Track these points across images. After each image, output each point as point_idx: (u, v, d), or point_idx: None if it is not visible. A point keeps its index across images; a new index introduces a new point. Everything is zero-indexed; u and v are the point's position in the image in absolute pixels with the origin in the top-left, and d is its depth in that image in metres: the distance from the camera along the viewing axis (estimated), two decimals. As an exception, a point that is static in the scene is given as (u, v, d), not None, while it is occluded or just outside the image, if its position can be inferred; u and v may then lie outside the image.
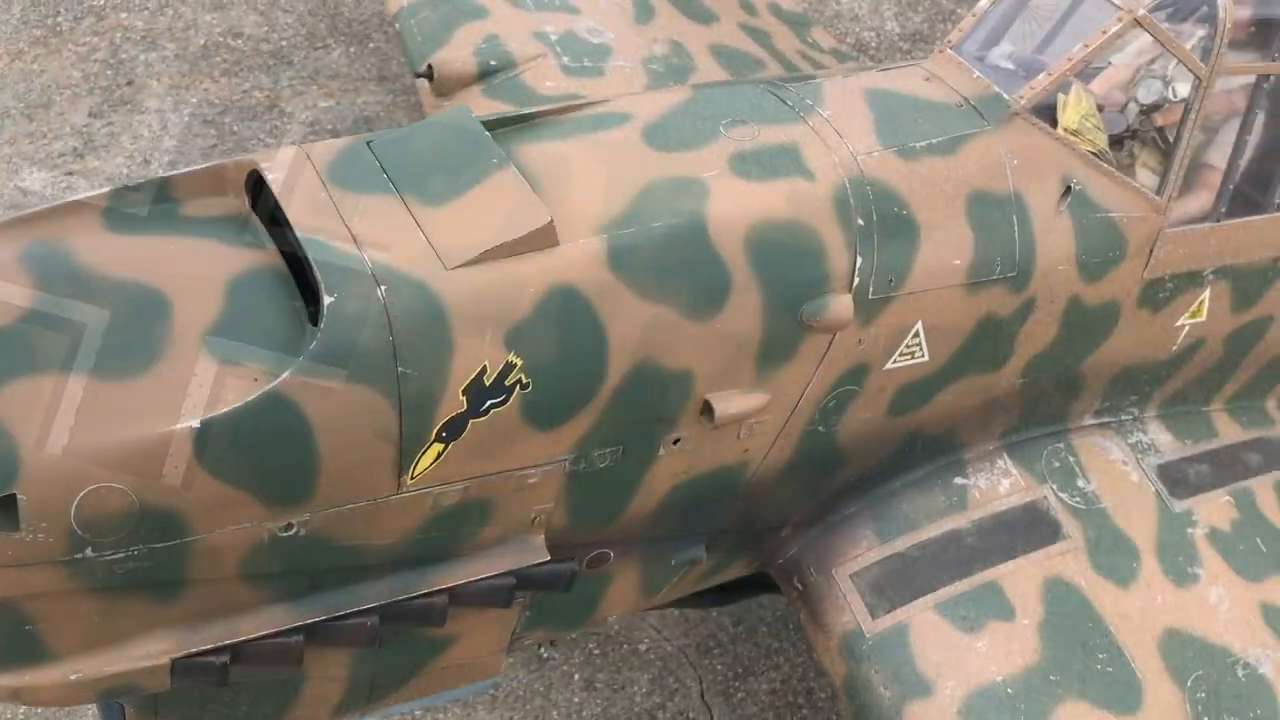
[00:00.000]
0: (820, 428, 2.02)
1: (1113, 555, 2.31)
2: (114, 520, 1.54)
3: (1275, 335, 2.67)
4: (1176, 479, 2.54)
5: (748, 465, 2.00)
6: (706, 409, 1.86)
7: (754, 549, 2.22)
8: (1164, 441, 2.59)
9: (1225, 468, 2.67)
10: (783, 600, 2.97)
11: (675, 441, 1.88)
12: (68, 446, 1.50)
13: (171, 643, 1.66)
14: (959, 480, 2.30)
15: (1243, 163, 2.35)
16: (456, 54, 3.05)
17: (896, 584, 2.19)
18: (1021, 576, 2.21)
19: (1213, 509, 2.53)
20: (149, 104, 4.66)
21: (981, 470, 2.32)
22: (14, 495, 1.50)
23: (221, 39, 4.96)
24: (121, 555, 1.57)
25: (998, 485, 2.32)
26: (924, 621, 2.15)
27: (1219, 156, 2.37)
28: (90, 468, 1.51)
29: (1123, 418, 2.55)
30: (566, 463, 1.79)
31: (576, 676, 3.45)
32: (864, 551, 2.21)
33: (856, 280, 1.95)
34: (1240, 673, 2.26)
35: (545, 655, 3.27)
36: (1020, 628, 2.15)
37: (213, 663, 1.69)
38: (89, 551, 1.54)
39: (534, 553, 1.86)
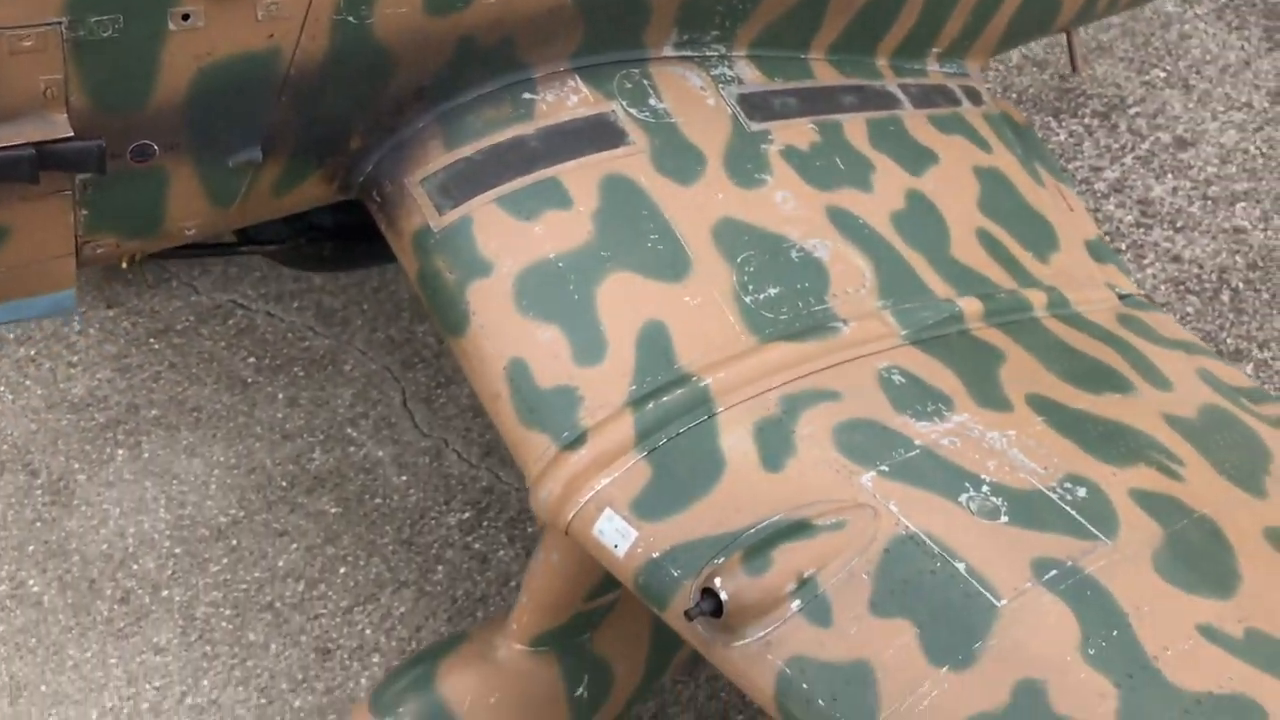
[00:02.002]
0: (350, 18, 2.09)
1: (677, 159, 2.43)
2: None
3: (856, -24, 2.82)
4: (757, 105, 2.67)
5: (280, 54, 2.06)
6: None
7: (325, 161, 2.30)
8: (751, 76, 2.72)
9: (815, 102, 2.80)
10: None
11: (184, 17, 1.93)
12: None
13: None
14: (527, 95, 2.40)
15: None
16: None
17: (461, 184, 2.30)
18: (581, 174, 2.33)
19: (793, 132, 2.68)
20: None
21: (550, 88, 2.43)
22: None
23: None
24: None
25: (566, 100, 2.43)
26: (485, 213, 2.27)
27: None
28: None
29: (708, 54, 2.67)
30: (62, 26, 1.84)
31: (280, 396, 3.57)
32: (433, 159, 2.32)
33: None
34: (794, 254, 2.44)
35: (148, 284, 3.36)
36: (576, 214, 2.29)
37: None
38: None
39: (54, 128, 1.91)
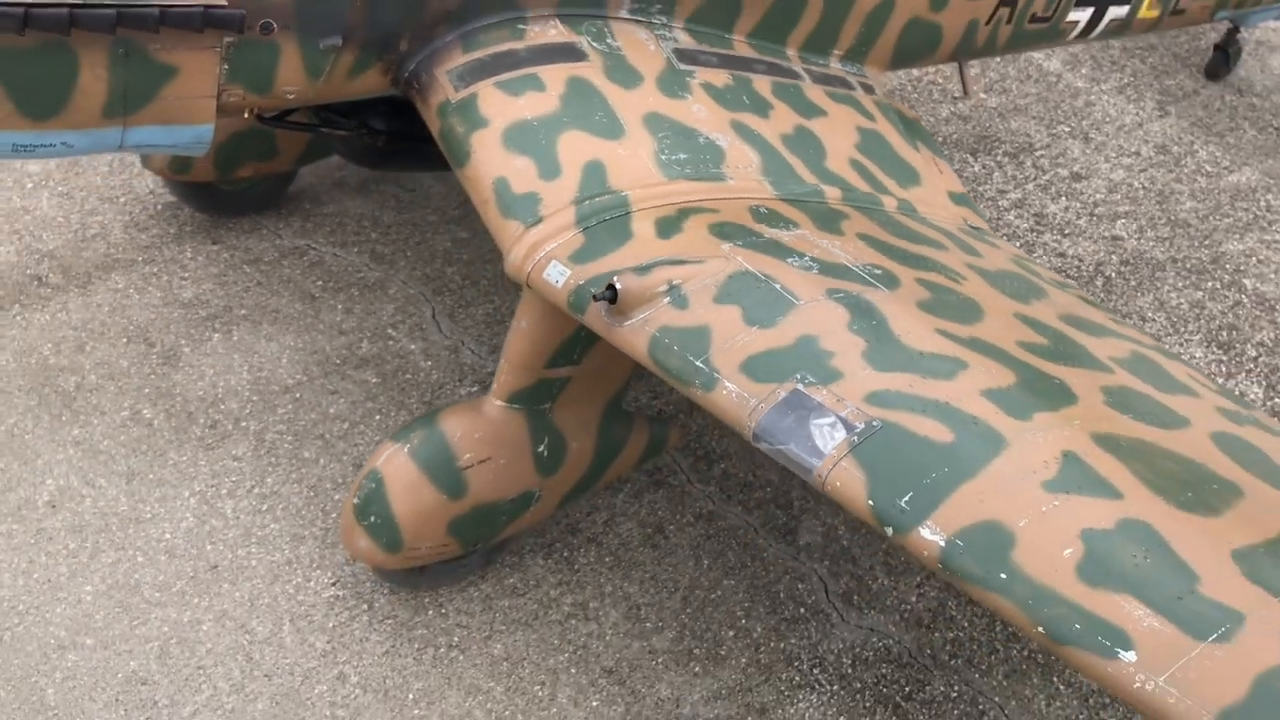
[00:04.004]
0: (399, -48, 3.20)
1: (622, 74, 3.48)
2: None
3: (765, -22, 3.91)
4: (687, 56, 3.74)
5: None
6: None
7: (383, 56, 3.37)
8: (685, 40, 3.79)
9: (732, 63, 3.88)
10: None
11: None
12: None
13: None
14: (521, 26, 3.47)
15: None
16: None
17: (472, 74, 3.35)
18: (553, 74, 3.38)
19: (711, 75, 3.73)
20: None
21: (538, 24, 3.50)
22: None
23: None
24: None
25: (547, 32, 3.49)
26: (487, 92, 3.31)
27: None
28: None
29: (653, 20, 3.76)
30: None
31: (339, 307, 4.60)
32: (455, 59, 3.39)
33: None
34: (700, 140, 3.43)
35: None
36: (548, 95, 3.30)
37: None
38: None
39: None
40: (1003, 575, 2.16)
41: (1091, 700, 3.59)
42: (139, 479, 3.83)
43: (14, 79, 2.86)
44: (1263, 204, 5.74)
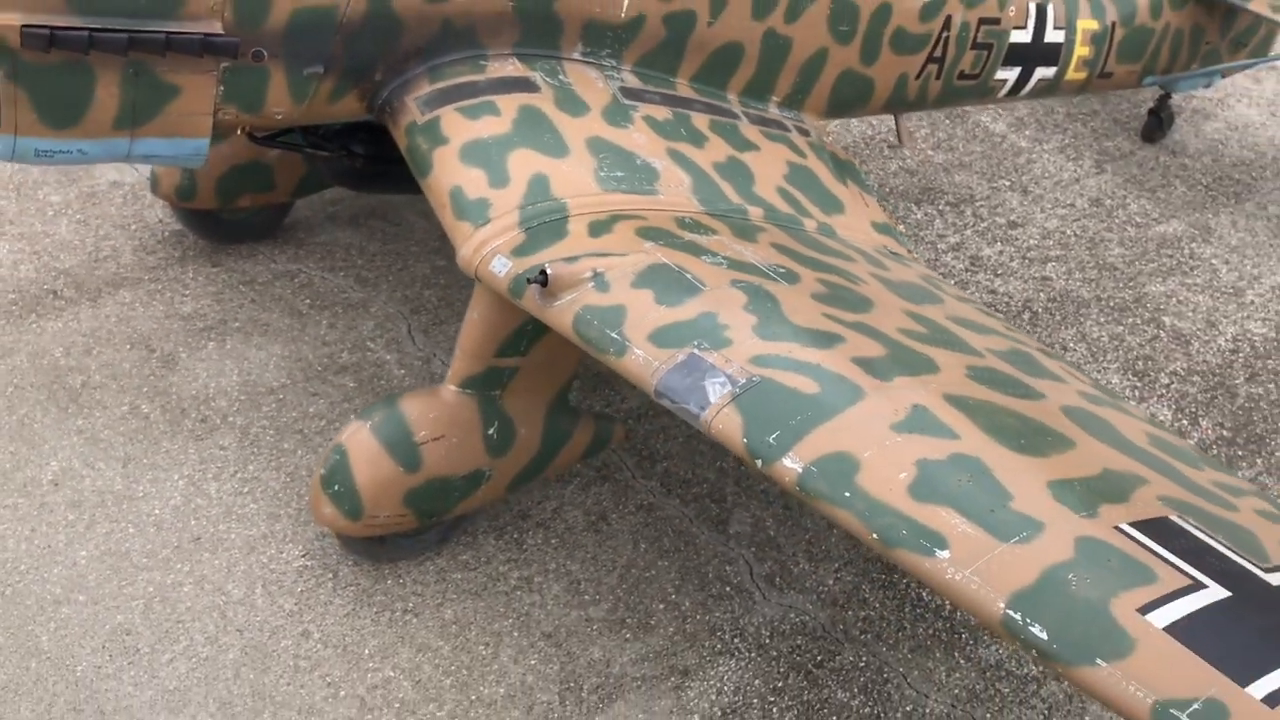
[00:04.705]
0: (380, -3, 3.71)
1: (570, 104, 3.93)
2: None
3: (702, 32, 4.41)
4: (632, 94, 4.22)
5: (338, 9, 3.65)
6: None
7: (359, 84, 3.85)
8: (632, 81, 4.30)
9: (674, 100, 4.36)
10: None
11: (282, -27, 3.54)
12: None
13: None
14: (482, 63, 3.93)
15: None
16: None
17: (437, 101, 3.75)
18: (508, 102, 3.79)
19: (653, 110, 4.19)
20: None
21: (496, 60, 3.97)
22: None
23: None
24: None
25: (505, 68, 3.95)
26: (449, 116, 3.75)
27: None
28: None
29: (604, 63, 4.27)
30: None
31: (324, 322, 5.06)
32: (422, 88, 3.87)
33: None
34: (637, 161, 3.90)
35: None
36: (502, 119, 3.74)
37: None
38: None
39: (214, 29, 3.48)
40: (847, 494, 2.56)
41: (989, 674, 3.94)
42: (134, 463, 4.24)
43: (39, 91, 3.35)
44: (1187, 251, 6.18)
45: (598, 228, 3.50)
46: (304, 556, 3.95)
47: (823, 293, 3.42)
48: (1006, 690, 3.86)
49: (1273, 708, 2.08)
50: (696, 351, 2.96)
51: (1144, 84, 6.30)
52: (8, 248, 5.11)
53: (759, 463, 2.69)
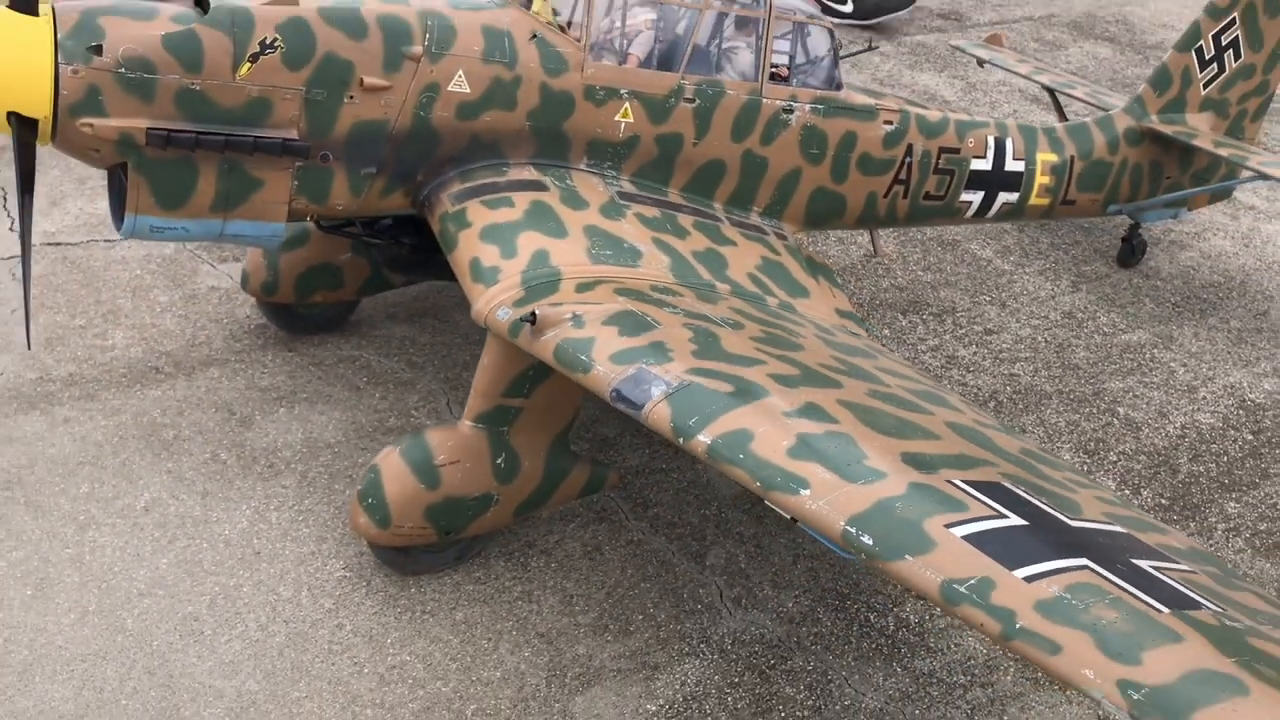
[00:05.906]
0: (422, 113, 4.73)
1: (573, 201, 4.84)
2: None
3: (689, 150, 5.35)
4: (628, 196, 5.15)
5: (389, 123, 4.67)
6: (363, 83, 4.63)
7: (405, 184, 4.84)
8: (629, 187, 5.25)
9: (665, 204, 5.29)
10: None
11: (350, 97, 4.58)
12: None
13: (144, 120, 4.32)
14: (504, 168, 4.89)
15: (656, 37, 5.15)
16: None
17: (465, 195, 4.71)
18: (521, 197, 4.72)
19: (645, 209, 5.09)
20: None
21: (516, 167, 4.90)
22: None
23: None
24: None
25: (522, 174, 4.94)
26: (473, 206, 4.60)
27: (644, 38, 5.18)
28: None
29: (605, 173, 5.23)
30: (303, 91, 4.51)
31: (378, 396, 5.95)
32: (454, 187, 4.86)
33: (427, 40, 4.71)
34: (625, 245, 4.77)
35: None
36: (515, 209, 4.59)
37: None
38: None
39: (291, 134, 4.51)
40: (741, 456, 3.31)
41: (922, 680, 4.53)
42: (211, 496, 5.11)
43: (156, 179, 4.37)
44: (1148, 356, 6.84)
45: (583, 288, 4.37)
46: (344, 569, 4.73)
47: (760, 335, 4.22)
48: (936, 693, 4.44)
49: (1030, 584, 2.75)
50: (644, 366, 3.76)
51: (1109, 212, 7.08)
52: (122, 335, 6.13)
53: (681, 440, 3.45)
